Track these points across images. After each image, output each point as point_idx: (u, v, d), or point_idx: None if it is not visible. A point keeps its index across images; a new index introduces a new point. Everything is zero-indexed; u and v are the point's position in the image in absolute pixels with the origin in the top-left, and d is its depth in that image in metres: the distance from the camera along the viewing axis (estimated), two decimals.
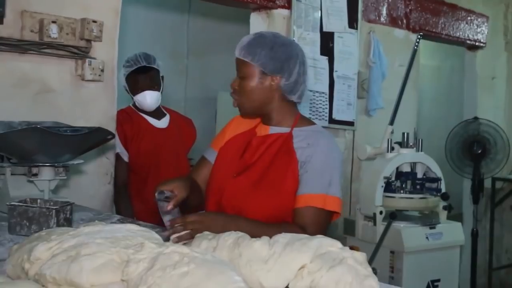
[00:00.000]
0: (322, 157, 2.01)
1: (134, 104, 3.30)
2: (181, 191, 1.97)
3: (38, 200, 2.07)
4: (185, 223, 1.76)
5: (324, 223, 2.01)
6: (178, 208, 1.97)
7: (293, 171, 2.01)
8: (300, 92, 2.09)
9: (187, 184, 2.02)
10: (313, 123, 2.17)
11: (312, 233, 1.86)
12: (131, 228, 1.48)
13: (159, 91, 3.25)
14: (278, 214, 2.00)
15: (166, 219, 1.90)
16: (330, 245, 1.41)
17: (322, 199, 1.97)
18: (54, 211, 1.94)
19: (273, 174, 2.03)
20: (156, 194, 1.95)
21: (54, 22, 2.76)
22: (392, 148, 3.97)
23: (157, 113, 3.33)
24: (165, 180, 2.01)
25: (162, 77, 3.29)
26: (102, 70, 2.96)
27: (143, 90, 3.20)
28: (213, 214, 2.00)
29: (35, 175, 2.30)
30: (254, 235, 1.51)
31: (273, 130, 2.12)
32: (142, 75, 3.19)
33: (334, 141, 2.11)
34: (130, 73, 3.19)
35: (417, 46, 4.48)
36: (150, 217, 2.81)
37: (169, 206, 1.91)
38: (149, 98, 3.20)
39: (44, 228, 1.84)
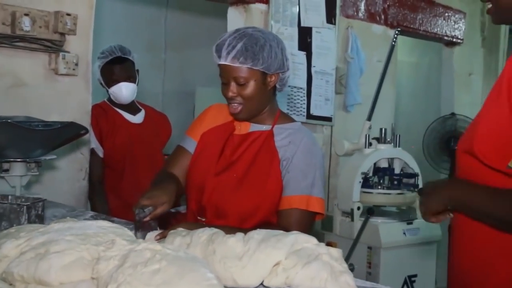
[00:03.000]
0: (304, 158, 1.99)
1: (108, 99, 3.26)
2: (164, 207, 1.83)
3: (9, 197, 2.02)
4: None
5: (308, 224, 2.00)
6: (156, 221, 1.85)
7: (276, 170, 1.99)
8: (287, 81, 2.08)
9: (172, 198, 1.88)
10: (294, 120, 2.15)
11: (298, 229, 1.85)
12: (103, 224, 1.46)
13: (134, 83, 3.21)
14: (259, 214, 1.98)
15: (139, 234, 1.74)
16: (305, 241, 1.40)
17: (306, 200, 1.96)
18: (25, 207, 1.90)
19: (255, 173, 2.00)
20: (136, 211, 1.77)
21: (26, 14, 2.70)
22: (370, 144, 3.97)
23: (132, 108, 3.29)
24: (149, 193, 1.83)
25: (137, 70, 3.26)
26: (76, 64, 2.91)
27: (118, 82, 3.15)
28: (196, 224, 1.89)
29: (6, 170, 2.26)
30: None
31: (254, 127, 2.08)
32: (117, 66, 3.15)
33: (315, 140, 2.09)
34: (105, 64, 3.14)
35: (394, 41, 4.48)
36: (126, 213, 2.77)
37: (146, 218, 1.77)
38: (124, 90, 3.16)
39: (15, 225, 1.80)
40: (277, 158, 2.00)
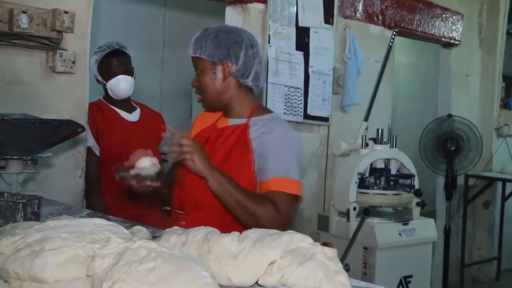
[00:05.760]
0: (279, 143, 2.04)
1: (104, 97, 3.25)
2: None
3: (5, 194, 2.02)
4: (180, 142, 1.89)
5: (287, 206, 2.02)
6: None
7: (248, 163, 2.03)
8: (254, 75, 2.11)
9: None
10: (270, 112, 2.19)
11: (283, 208, 1.96)
12: (98, 222, 1.46)
13: (132, 77, 3.21)
14: None
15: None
16: (300, 240, 1.40)
17: (282, 182, 2.00)
18: (21, 204, 1.90)
19: (229, 166, 2.04)
20: (119, 175, 2.07)
21: (24, 12, 2.70)
22: (367, 144, 3.98)
23: (128, 106, 3.29)
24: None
25: (133, 68, 3.25)
26: (74, 62, 2.91)
27: (116, 75, 3.15)
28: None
29: (3, 168, 2.25)
30: (229, 192, 1.82)
31: (233, 122, 2.14)
32: (115, 59, 3.16)
33: (289, 128, 2.14)
34: (103, 58, 3.14)
35: (392, 42, 4.48)
36: (121, 211, 2.78)
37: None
38: (123, 83, 3.15)
39: (10, 222, 1.80)
40: (249, 150, 2.04)
